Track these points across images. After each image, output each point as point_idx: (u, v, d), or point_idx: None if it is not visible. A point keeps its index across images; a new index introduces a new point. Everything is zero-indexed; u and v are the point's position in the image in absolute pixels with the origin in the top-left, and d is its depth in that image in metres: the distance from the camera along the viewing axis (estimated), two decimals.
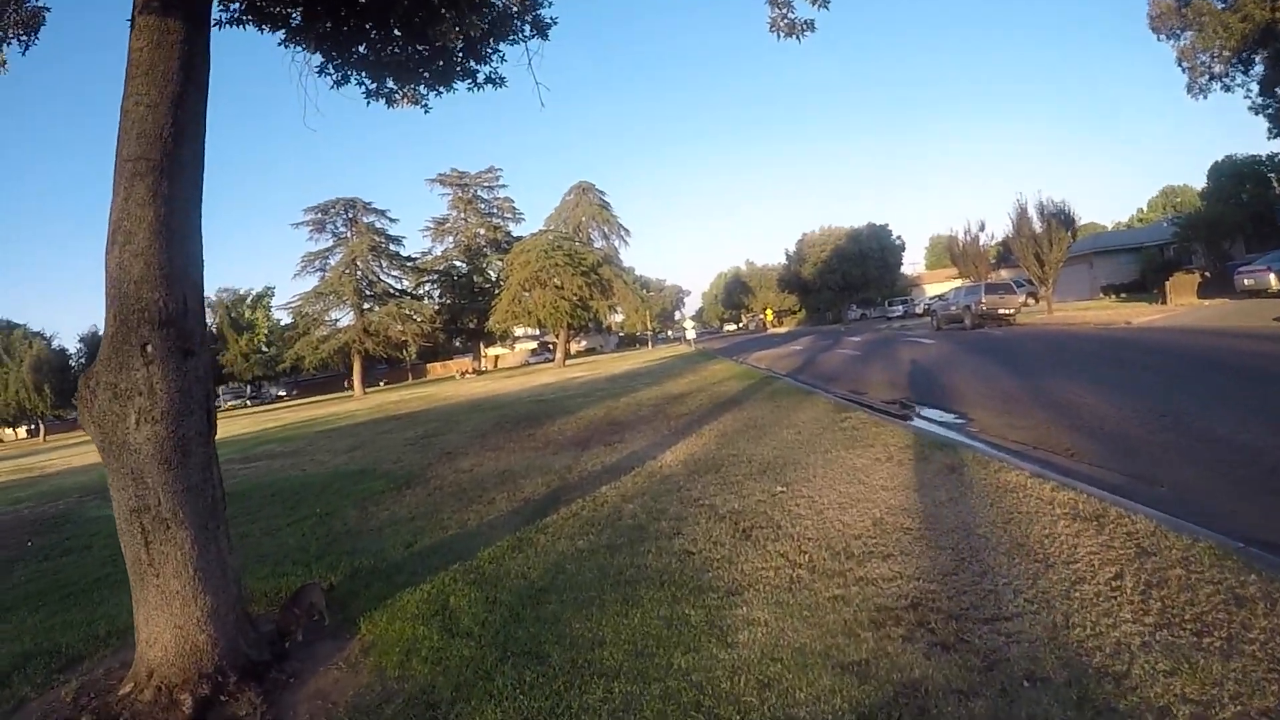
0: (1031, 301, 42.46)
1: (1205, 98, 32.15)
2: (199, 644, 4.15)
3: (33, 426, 68.13)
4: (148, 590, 4.13)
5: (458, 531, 7.19)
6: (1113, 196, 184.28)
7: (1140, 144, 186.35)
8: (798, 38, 6.67)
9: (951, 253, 51.58)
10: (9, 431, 75.15)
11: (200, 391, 4.32)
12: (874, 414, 11.50)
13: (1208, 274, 35.67)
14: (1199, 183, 57.01)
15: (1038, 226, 38.11)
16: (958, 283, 53.96)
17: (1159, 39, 37.46)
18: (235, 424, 38.99)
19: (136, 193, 4.15)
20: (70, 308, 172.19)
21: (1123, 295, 45.38)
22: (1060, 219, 37.96)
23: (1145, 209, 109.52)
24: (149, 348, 4.08)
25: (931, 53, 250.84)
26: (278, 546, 7.64)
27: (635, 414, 15.09)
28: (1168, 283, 33.84)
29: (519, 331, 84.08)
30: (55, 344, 68.37)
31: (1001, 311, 32.93)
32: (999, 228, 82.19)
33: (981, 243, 48.67)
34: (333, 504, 9.64)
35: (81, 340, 71.87)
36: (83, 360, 70.89)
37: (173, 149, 4.28)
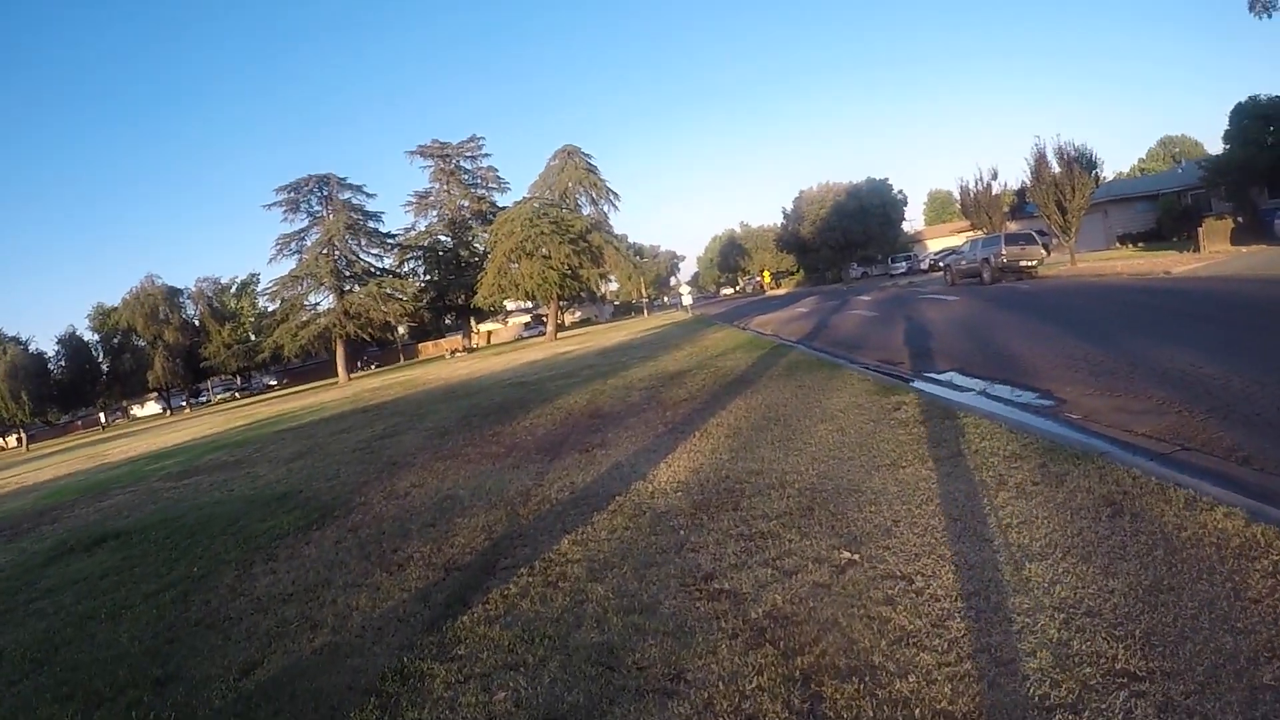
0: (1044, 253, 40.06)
1: (1269, 16, 28.78)
2: None
3: (20, 435, 65.44)
4: None
5: (326, 641, 4.49)
6: (1110, 148, 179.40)
7: (1136, 94, 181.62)
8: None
9: (962, 203, 48.61)
10: (0, 441, 72.70)
11: None
12: (929, 396, 8.86)
13: (1239, 220, 33.30)
14: (1196, 133, 54.41)
15: (1057, 171, 35.35)
16: (962, 237, 51.46)
17: None
18: (208, 420, 36.54)
19: None
20: (44, 309, 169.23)
21: (1140, 244, 43.28)
22: (1082, 163, 35.23)
23: (1145, 159, 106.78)
24: None
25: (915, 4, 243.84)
26: (94, 653, 5.05)
27: (624, 401, 12.41)
28: (1200, 230, 31.50)
29: (511, 305, 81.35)
30: (32, 348, 65.63)
31: (1023, 264, 30.49)
32: (1009, 176, 78.99)
33: (994, 191, 45.97)
34: (219, 556, 7.06)
35: (60, 342, 69.36)
36: (62, 364, 68.49)
37: None
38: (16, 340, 64.90)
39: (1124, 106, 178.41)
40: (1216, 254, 27.67)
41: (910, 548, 4.40)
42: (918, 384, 10.34)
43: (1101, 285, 22.34)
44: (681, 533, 5.28)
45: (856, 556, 4.39)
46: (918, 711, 2.85)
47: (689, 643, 3.66)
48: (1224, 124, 37.74)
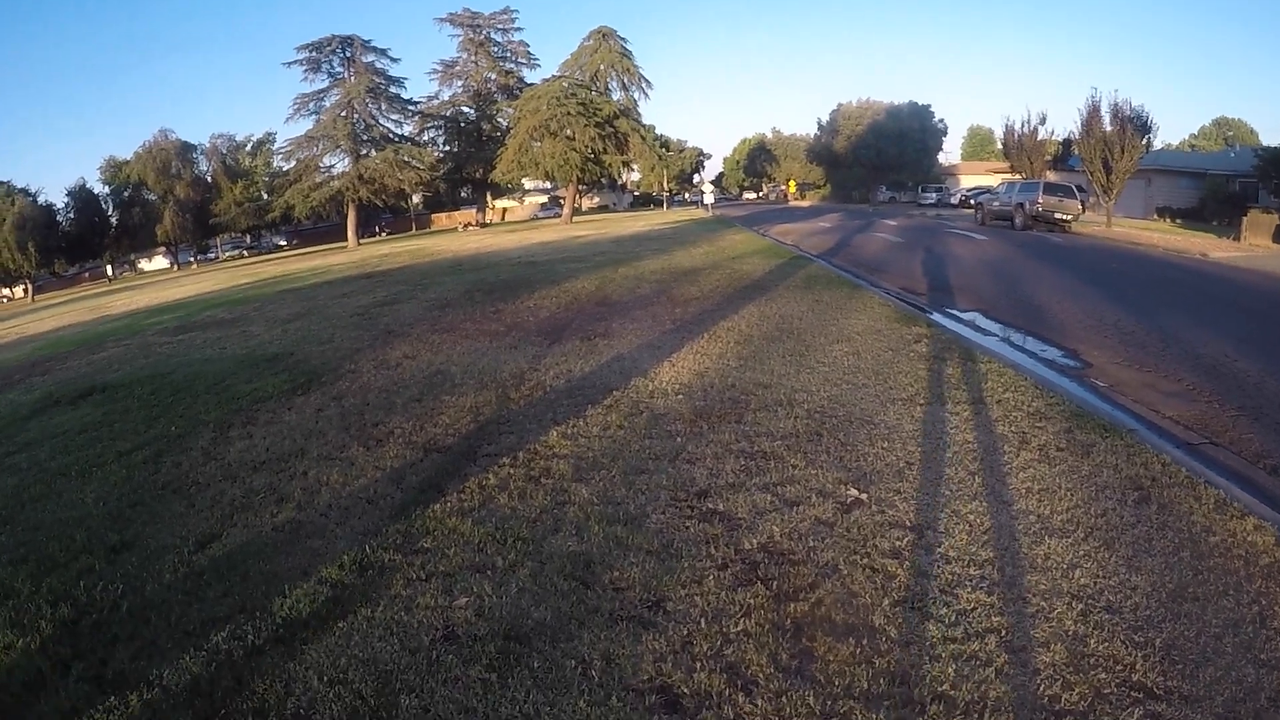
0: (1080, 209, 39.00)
1: None
2: None
3: (26, 286, 65.02)
4: None
5: (289, 518, 4.21)
6: (1162, 118, 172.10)
7: (1196, 70, 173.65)
8: None
9: (1005, 143, 46.58)
10: (7, 292, 72.47)
11: None
12: (951, 334, 8.44)
13: None
14: (1254, 120, 52.31)
15: (1109, 128, 33.49)
16: (997, 178, 49.96)
17: None
18: (213, 277, 36.20)
19: None
20: (56, 162, 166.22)
21: (1178, 220, 41.62)
22: (1136, 124, 33.38)
23: (1196, 135, 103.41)
24: None
25: None
26: (57, 513, 4.80)
27: (633, 292, 11.99)
28: (1244, 219, 29.74)
29: (529, 184, 79.85)
30: (41, 199, 64.34)
31: (1058, 216, 29.16)
32: (1057, 124, 76.08)
33: (1039, 137, 44.23)
34: (199, 417, 6.77)
35: (69, 194, 68.12)
36: (71, 216, 67.46)
37: None
38: (25, 192, 63.25)
39: (1183, 78, 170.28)
40: (1256, 247, 26.44)
41: (923, 496, 4.05)
42: (939, 318, 9.90)
43: (1135, 253, 21.41)
44: (678, 440, 4.94)
45: (864, 496, 4.05)
46: (916, 692, 2.54)
47: (673, 567, 3.34)
48: None
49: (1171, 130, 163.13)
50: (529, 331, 9.25)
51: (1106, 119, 33.93)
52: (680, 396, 5.93)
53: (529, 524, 3.83)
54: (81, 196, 68.81)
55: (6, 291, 71.81)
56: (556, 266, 17.16)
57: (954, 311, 10.78)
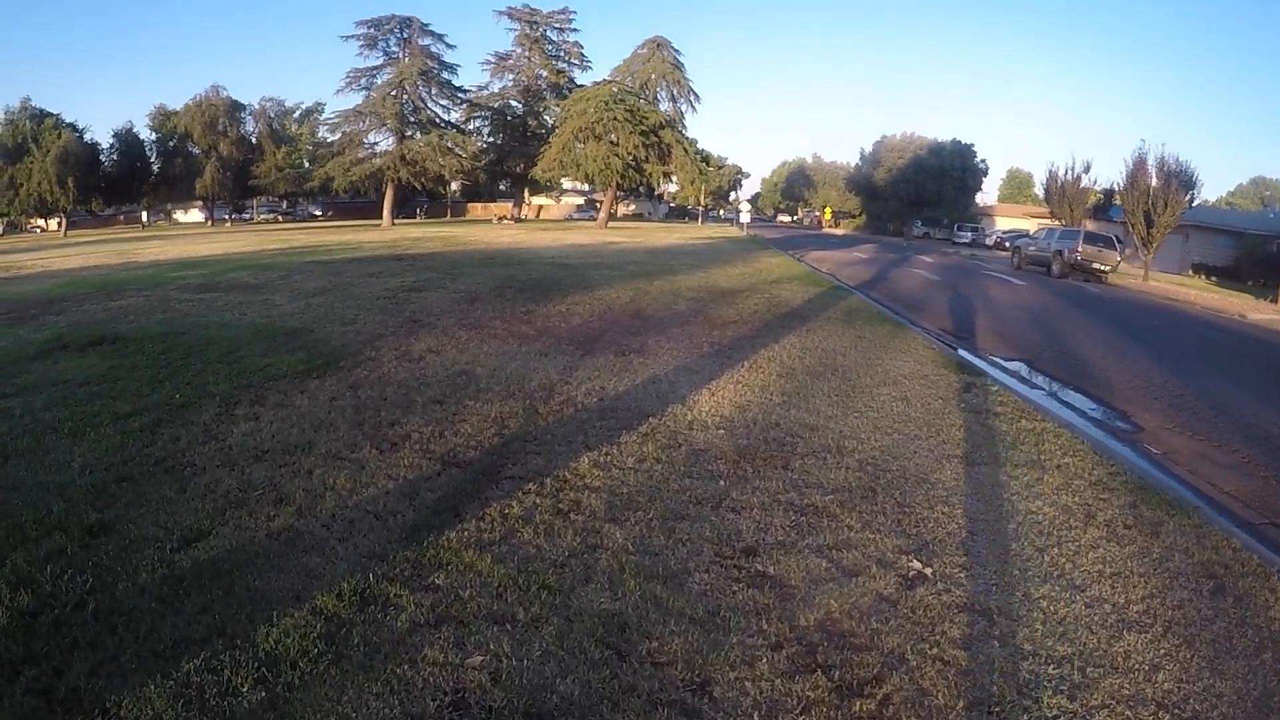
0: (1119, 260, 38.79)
1: None
2: None
3: (61, 220, 65.14)
4: None
5: (287, 524, 3.76)
6: (1203, 176, 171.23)
7: (1235, 129, 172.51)
8: None
9: (1048, 188, 46.22)
10: (41, 223, 72.81)
11: None
12: (1000, 385, 8.02)
13: None
14: None
15: (1154, 182, 33.37)
16: (1033, 222, 49.78)
17: None
18: (245, 238, 36.00)
19: None
20: (108, 103, 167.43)
21: (1213, 278, 41.29)
22: (1181, 179, 33.23)
23: (1233, 193, 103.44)
24: None
25: None
26: (39, 475, 4.39)
27: (669, 308, 11.56)
28: None
29: (567, 184, 79.57)
30: (87, 137, 64.15)
31: (1096, 266, 28.87)
32: (1099, 173, 76.00)
33: (1082, 184, 43.80)
34: (206, 387, 6.38)
35: (115, 136, 68.17)
36: (114, 157, 67.50)
37: None
38: (73, 127, 63.10)
39: (1223, 136, 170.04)
40: None
41: (990, 574, 3.62)
42: (985, 366, 9.48)
43: (1174, 310, 21.15)
44: (721, 483, 4.50)
45: (929, 571, 3.60)
46: None
47: (720, 642, 2.89)
48: None
49: (1209, 187, 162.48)
50: (560, 339, 8.83)
51: (1152, 172, 33.85)
52: (721, 431, 5.48)
53: (556, 569, 3.38)
54: (127, 140, 68.84)
55: (40, 223, 72.12)
56: (590, 272, 16.76)
57: (998, 360, 10.41)
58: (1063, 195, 43.77)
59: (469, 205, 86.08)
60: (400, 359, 7.56)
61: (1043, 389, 8.84)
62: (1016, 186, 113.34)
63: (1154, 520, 4.46)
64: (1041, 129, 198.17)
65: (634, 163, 52.94)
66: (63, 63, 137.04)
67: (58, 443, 4.94)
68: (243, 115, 73.51)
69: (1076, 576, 3.66)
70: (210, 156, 68.72)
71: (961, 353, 10.22)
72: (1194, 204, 36.61)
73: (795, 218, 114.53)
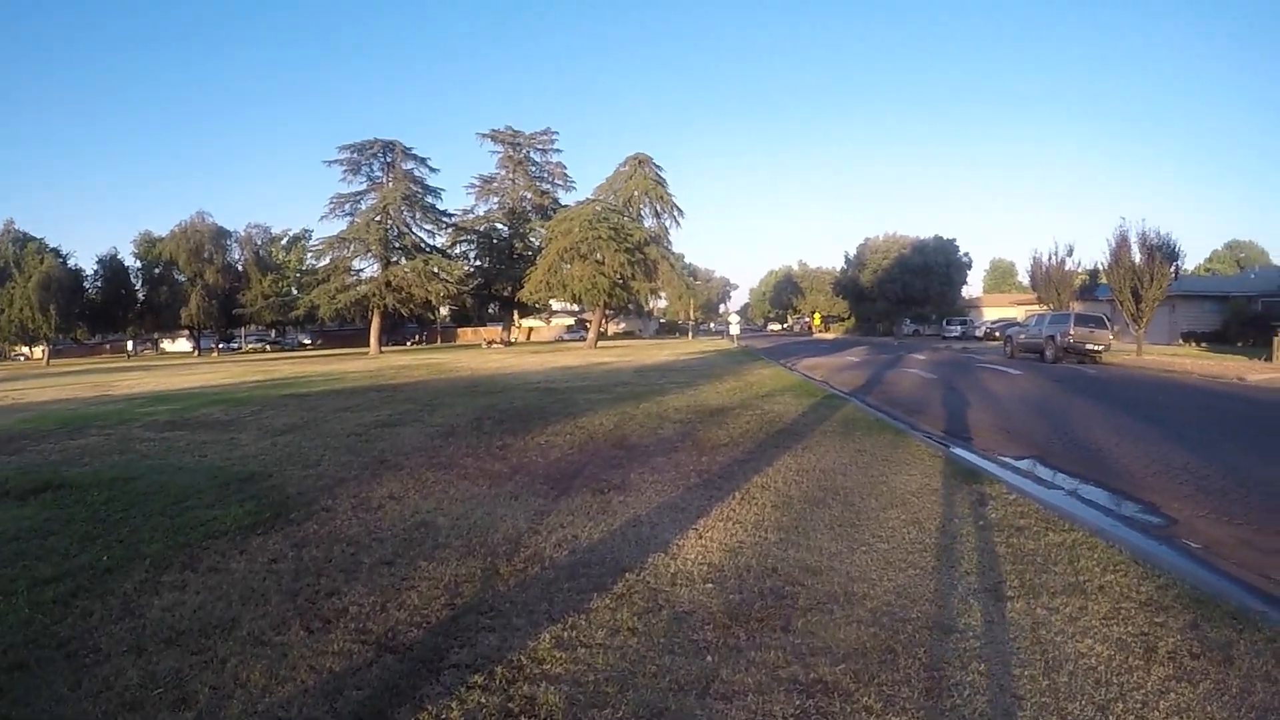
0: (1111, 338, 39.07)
1: None
2: None
3: (45, 349, 64.91)
4: None
5: None
6: (1182, 245, 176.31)
7: (1206, 196, 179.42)
8: None
9: (1033, 275, 47.14)
10: (26, 350, 72.68)
11: None
12: (1017, 490, 7.29)
13: None
14: (1264, 240, 54.50)
15: (1138, 258, 34.21)
16: (1020, 309, 50.62)
17: None
18: (228, 369, 35.59)
19: None
20: (92, 230, 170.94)
21: (1204, 344, 42.57)
22: (1164, 252, 34.03)
23: (1210, 260, 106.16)
24: None
25: (1000, 68, 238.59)
26: None
27: (655, 434, 10.90)
28: (1275, 339, 30.25)
29: (556, 305, 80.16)
30: (71, 263, 64.54)
31: (1089, 347, 29.41)
32: (1081, 254, 77.72)
33: (1067, 268, 44.39)
34: (140, 545, 5.69)
35: (99, 262, 68.69)
36: (98, 284, 67.76)
37: None
38: (56, 252, 63.37)
39: (1197, 204, 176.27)
40: None
41: None
42: (997, 470, 8.85)
43: (1173, 382, 21.03)
44: (709, 657, 3.74)
45: None
46: None
47: None
48: None
49: (1187, 256, 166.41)
50: (535, 476, 8.14)
51: (1135, 248, 34.71)
52: (710, 585, 4.74)
53: None
54: (111, 266, 69.35)
55: (25, 350, 71.74)
56: (576, 396, 16.18)
57: (1009, 460, 9.80)
58: (1048, 280, 44.72)
59: (459, 330, 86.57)
60: (357, 508, 6.85)
61: (1061, 488, 8.19)
62: (1000, 276, 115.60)
63: (1222, 642, 3.79)
64: (1019, 215, 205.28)
65: (620, 280, 53.23)
66: (47, 186, 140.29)
67: None
68: (228, 242, 74.43)
69: None
70: (196, 284, 69.09)
71: (970, 456, 9.60)
72: (1178, 275, 37.06)
73: (785, 325, 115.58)
